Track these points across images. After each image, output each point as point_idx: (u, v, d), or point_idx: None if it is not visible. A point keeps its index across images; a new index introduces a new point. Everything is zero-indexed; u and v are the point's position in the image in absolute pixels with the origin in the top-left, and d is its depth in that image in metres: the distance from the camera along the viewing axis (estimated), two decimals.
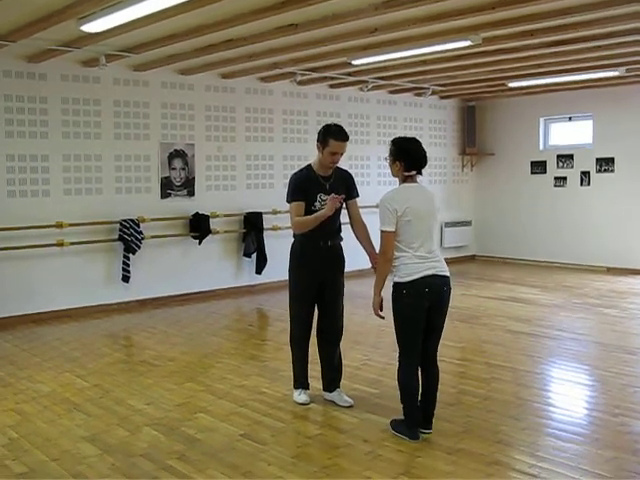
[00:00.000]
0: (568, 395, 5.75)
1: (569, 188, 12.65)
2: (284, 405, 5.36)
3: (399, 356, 4.73)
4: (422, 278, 4.49)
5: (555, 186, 12.85)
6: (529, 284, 10.98)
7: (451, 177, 13.69)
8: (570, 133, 12.80)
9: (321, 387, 5.50)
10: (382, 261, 4.61)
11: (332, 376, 5.46)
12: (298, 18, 6.55)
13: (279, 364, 6.44)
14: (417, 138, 4.83)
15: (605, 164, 12.14)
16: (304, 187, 5.25)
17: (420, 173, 4.69)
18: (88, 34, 6.86)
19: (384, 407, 5.21)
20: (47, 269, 8.68)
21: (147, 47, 7.74)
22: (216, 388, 5.82)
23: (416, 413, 4.64)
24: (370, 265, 5.20)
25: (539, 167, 13.05)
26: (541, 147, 13.08)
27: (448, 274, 4.66)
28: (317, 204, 5.23)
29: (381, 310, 4.69)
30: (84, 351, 7.13)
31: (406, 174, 4.64)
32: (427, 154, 4.72)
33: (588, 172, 12.36)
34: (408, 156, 4.63)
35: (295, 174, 5.40)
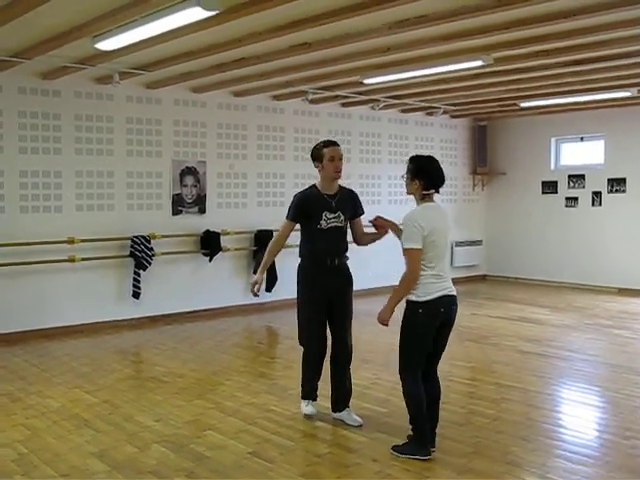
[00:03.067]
0: (579, 417, 5.71)
1: (580, 208, 12.62)
2: (293, 423, 5.34)
3: (402, 372, 4.70)
4: (438, 298, 4.51)
5: (566, 206, 12.82)
6: (540, 304, 10.93)
7: (462, 196, 13.68)
8: (581, 153, 12.79)
9: (330, 406, 5.48)
10: (408, 280, 4.53)
11: (342, 397, 5.44)
12: (311, 37, 6.59)
13: (288, 382, 6.43)
14: (434, 157, 4.82)
15: (617, 184, 12.12)
16: (303, 207, 5.30)
17: (438, 192, 4.71)
18: (102, 52, 6.91)
19: (393, 426, 5.18)
20: (58, 284, 8.71)
21: (160, 65, 7.80)
22: (225, 405, 5.81)
23: (427, 428, 4.63)
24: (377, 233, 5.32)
25: (550, 187, 13.03)
26: (552, 167, 13.07)
27: (455, 293, 4.69)
28: (323, 222, 5.26)
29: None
30: (94, 367, 7.14)
31: (424, 193, 4.64)
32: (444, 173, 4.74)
33: (599, 192, 12.34)
34: (428, 174, 4.63)
35: (299, 193, 5.46)
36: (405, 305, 4.60)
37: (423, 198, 4.66)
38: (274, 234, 5.45)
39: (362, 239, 5.52)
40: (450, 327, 4.70)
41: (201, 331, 9.00)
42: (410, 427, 4.70)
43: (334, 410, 5.45)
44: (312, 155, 5.39)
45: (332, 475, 4.39)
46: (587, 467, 4.49)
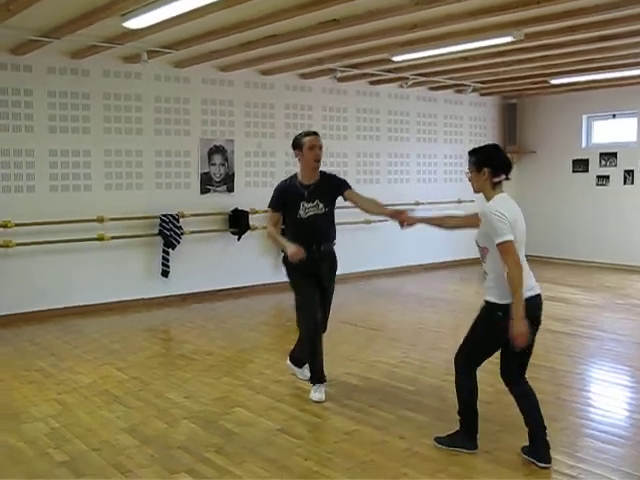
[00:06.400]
0: (608, 396, 5.67)
1: (612, 187, 12.46)
2: None
3: (460, 362, 4.44)
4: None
5: (597, 185, 12.66)
6: (570, 284, 10.84)
7: None
8: (614, 131, 12.60)
9: (355, 386, 5.50)
10: (514, 277, 4.00)
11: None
12: (340, 14, 6.54)
13: None
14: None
15: None
16: (283, 198, 5.47)
17: (508, 178, 4.31)
18: (130, 30, 6.92)
19: (421, 404, 5.19)
20: (88, 263, 8.80)
21: (188, 43, 7.79)
22: (254, 383, 5.85)
23: (474, 422, 4.42)
24: (400, 225, 5.08)
25: (581, 165, 12.87)
26: (583, 145, 12.89)
27: (540, 291, 4.29)
28: (301, 212, 5.37)
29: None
30: (124, 344, 7.22)
31: (495, 180, 4.24)
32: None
33: (632, 171, 12.16)
34: (495, 159, 4.28)
35: (279, 183, 5.63)
36: (484, 304, 4.28)
37: (494, 188, 4.25)
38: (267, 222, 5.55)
39: (369, 208, 5.55)
40: (537, 329, 4.28)
41: (229, 309, 9.05)
42: (458, 418, 4.49)
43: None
44: (293, 144, 5.50)
45: (360, 452, 4.40)
46: (617, 447, 4.46)
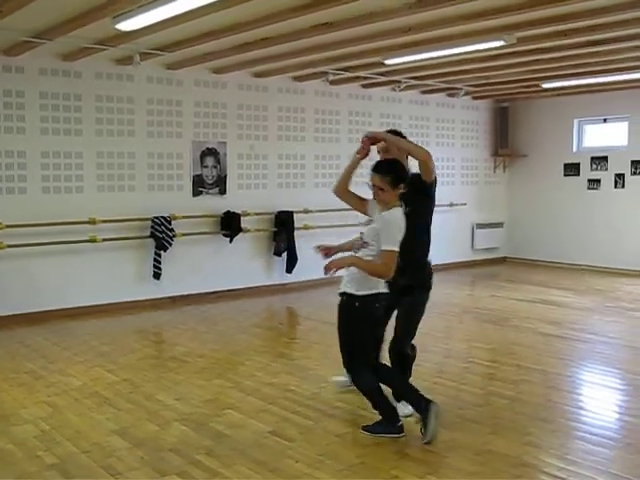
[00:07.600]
0: (599, 399, 5.69)
1: (603, 191, 12.50)
2: (312, 403, 5.37)
3: (355, 366, 4.80)
4: (376, 294, 4.57)
5: (589, 188, 12.70)
6: (560, 287, 10.87)
7: (483, 178, 13.60)
8: (605, 135, 12.65)
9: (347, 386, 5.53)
10: (378, 275, 4.52)
11: None
12: (333, 17, 6.54)
13: (308, 362, 6.46)
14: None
15: None
16: None
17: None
18: (123, 32, 6.91)
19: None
20: (79, 265, 8.77)
21: (181, 45, 7.79)
22: (245, 385, 5.84)
23: (393, 408, 4.76)
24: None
25: (572, 169, 12.91)
26: (575, 149, 12.93)
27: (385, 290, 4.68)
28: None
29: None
30: (115, 346, 7.20)
31: (400, 192, 4.60)
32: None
33: (623, 174, 12.21)
34: (405, 175, 4.64)
35: None
36: (342, 297, 4.66)
37: (398, 198, 4.60)
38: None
39: None
40: (383, 322, 4.96)
41: (221, 312, 9.04)
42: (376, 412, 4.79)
43: None
44: None
45: (351, 454, 4.40)
46: (607, 449, 4.47)
